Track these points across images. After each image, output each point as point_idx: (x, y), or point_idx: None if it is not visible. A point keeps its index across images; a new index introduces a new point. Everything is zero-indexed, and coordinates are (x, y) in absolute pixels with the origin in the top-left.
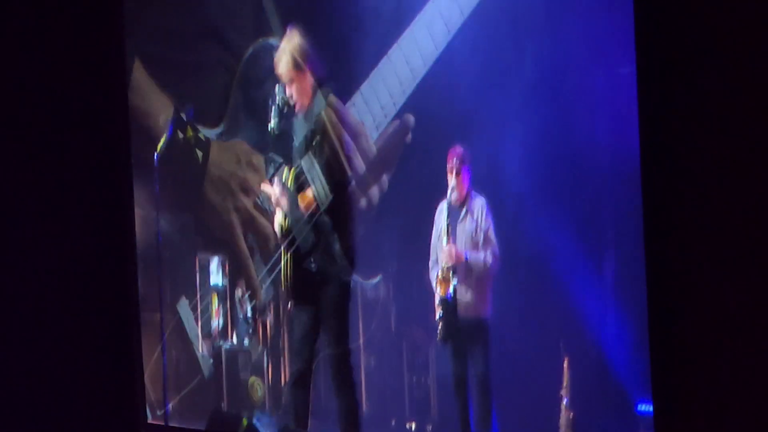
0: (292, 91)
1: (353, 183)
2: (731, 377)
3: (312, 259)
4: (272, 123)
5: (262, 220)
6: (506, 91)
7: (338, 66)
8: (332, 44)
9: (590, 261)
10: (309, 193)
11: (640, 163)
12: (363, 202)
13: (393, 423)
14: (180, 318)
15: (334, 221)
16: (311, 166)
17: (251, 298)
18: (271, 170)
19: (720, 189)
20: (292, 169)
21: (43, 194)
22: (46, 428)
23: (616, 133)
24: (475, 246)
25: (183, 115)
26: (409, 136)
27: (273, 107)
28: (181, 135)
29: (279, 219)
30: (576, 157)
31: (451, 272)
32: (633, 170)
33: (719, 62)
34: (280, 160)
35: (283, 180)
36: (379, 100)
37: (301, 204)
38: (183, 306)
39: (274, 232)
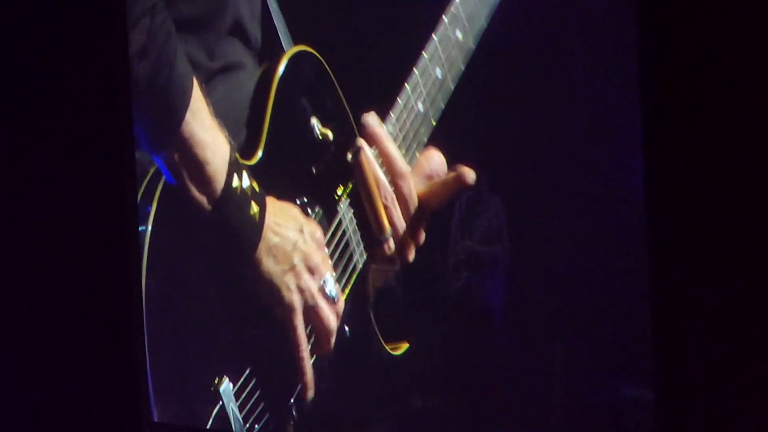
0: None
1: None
2: (736, 377)
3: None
4: (313, 166)
5: (327, 310)
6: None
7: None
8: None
9: (592, 260)
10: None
11: (641, 163)
12: (396, 264)
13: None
14: (224, 405)
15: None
16: (348, 221)
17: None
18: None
19: (726, 185)
20: (333, 226)
21: (45, 194)
22: (46, 427)
23: (619, 130)
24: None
25: (237, 155)
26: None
27: (310, 142)
28: (237, 182)
29: None
30: (578, 154)
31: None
32: (634, 168)
33: (722, 58)
34: (320, 211)
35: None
36: (414, 124)
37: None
38: (227, 391)
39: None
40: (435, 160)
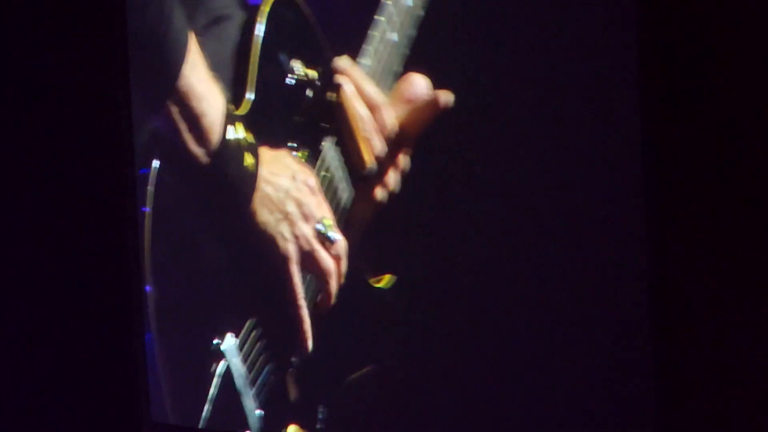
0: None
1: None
2: (736, 377)
3: None
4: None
5: (323, 254)
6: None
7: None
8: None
9: (591, 259)
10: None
11: (641, 163)
12: (382, 194)
13: None
14: (228, 361)
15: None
16: (333, 158)
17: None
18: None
19: (726, 185)
20: (317, 165)
21: (45, 192)
22: (46, 426)
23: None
24: None
25: (231, 106)
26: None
27: (294, 84)
28: (232, 133)
29: None
30: (576, 153)
31: None
32: (634, 166)
33: (722, 58)
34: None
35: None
36: (389, 54)
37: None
38: (229, 347)
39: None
40: (416, 83)
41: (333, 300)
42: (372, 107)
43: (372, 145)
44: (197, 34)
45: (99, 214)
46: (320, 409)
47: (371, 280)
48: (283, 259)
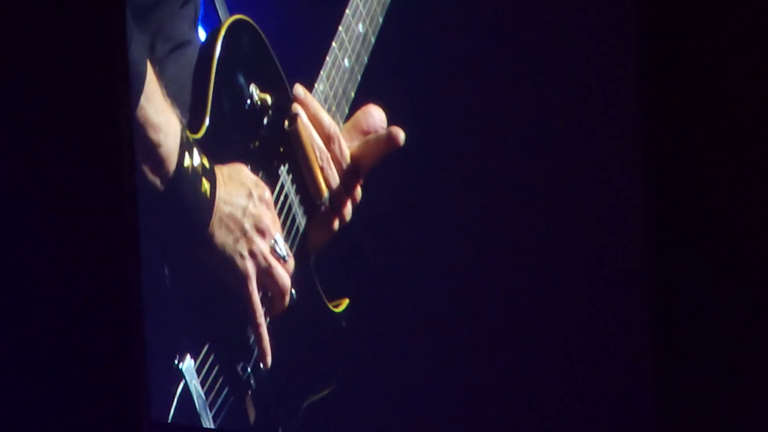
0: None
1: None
2: (736, 377)
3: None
4: (255, 132)
5: (280, 270)
6: (505, 84)
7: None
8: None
9: (591, 259)
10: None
11: (642, 163)
12: (336, 224)
13: None
14: (186, 383)
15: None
16: (289, 185)
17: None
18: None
19: (726, 184)
20: (276, 190)
21: (44, 194)
22: (45, 425)
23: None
24: None
25: (188, 134)
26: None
27: (250, 109)
28: (188, 161)
29: None
30: (575, 152)
31: None
32: (634, 166)
33: (723, 58)
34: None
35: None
36: (342, 81)
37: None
38: (189, 368)
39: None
40: (373, 115)
41: (285, 310)
42: (327, 138)
43: (326, 176)
44: (157, 63)
45: (96, 210)
46: (279, 431)
47: (330, 304)
48: (242, 278)
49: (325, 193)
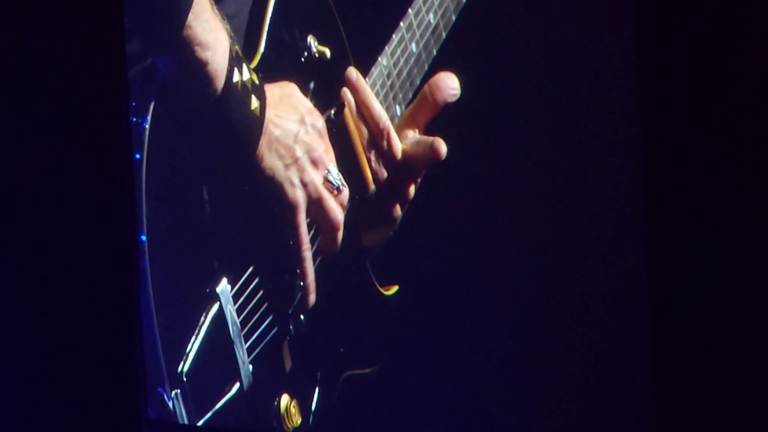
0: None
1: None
2: (736, 378)
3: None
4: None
5: (332, 203)
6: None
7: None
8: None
9: (591, 259)
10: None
11: (642, 162)
12: (386, 220)
13: None
14: (221, 306)
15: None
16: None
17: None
18: None
19: (726, 185)
20: None
21: (39, 185)
22: (44, 424)
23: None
24: None
25: (238, 48)
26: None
27: (307, 59)
28: (237, 76)
29: None
30: (576, 152)
31: None
32: (634, 166)
33: (722, 57)
34: None
35: None
36: (408, 63)
37: None
38: (224, 292)
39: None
40: (440, 87)
41: (337, 250)
42: (377, 130)
43: (374, 170)
44: None
45: (95, 208)
46: (316, 391)
47: (381, 288)
48: (291, 207)
49: (372, 188)
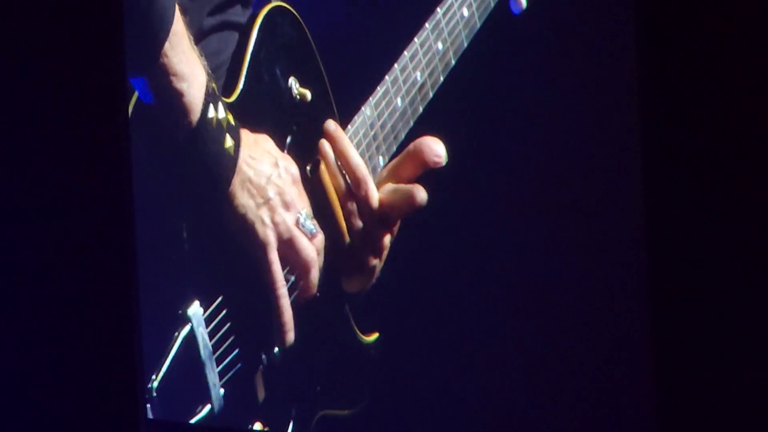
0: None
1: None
2: (736, 378)
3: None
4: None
5: (304, 242)
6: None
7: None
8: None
9: (591, 259)
10: None
11: (641, 163)
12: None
13: None
14: (192, 328)
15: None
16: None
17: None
18: None
19: (726, 185)
20: None
21: (38, 186)
22: (43, 422)
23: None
24: None
25: (215, 86)
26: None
27: (287, 100)
28: (213, 113)
29: None
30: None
31: None
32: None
33: (722, 58)
34: None
35: None
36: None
37: None
38: (197, 314)
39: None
40: (423, 150)
41: (314, 291)
42: (354, 181)
43: (350, 223)
44: (201, 33)
45: (95, 207)
46: (291, 425)
47: (361, 335)
48: (262, 245)
49: (347, 239)
